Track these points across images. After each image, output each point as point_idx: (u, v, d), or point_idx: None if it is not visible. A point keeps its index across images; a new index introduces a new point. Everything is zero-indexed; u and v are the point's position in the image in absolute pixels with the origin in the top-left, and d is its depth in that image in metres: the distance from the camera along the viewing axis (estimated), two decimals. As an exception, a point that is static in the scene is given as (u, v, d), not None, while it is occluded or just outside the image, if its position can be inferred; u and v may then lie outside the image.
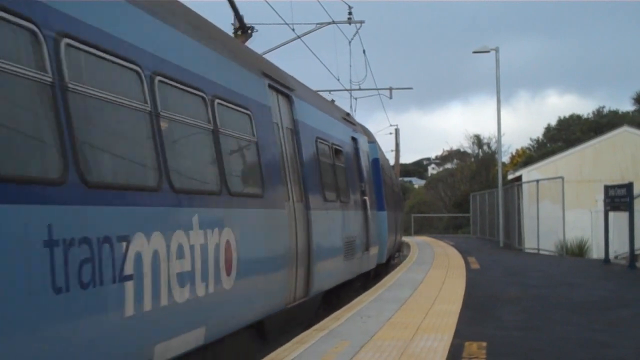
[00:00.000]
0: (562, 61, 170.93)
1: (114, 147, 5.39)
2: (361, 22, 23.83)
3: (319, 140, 11.64)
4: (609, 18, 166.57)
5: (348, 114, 16.28)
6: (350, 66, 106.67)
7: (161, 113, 5.89)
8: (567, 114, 54.29)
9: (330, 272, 11.32)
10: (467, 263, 18.46)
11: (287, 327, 9.42)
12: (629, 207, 17.50)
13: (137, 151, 5.73)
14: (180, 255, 5.94)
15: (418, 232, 46.20)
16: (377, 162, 18.45)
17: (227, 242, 6.97)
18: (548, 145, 49.20)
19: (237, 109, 7.85)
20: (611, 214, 19.16)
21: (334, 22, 22.07)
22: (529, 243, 25.80)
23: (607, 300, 11.46)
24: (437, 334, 7.85)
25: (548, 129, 53.91)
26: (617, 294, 12.53)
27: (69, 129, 4.52)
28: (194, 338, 6.22)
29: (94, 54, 5.03)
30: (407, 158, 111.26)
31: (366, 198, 15.25)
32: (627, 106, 60.00)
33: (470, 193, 44.32)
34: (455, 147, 65.29)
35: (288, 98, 10.19)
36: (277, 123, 9.40)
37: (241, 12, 12.83)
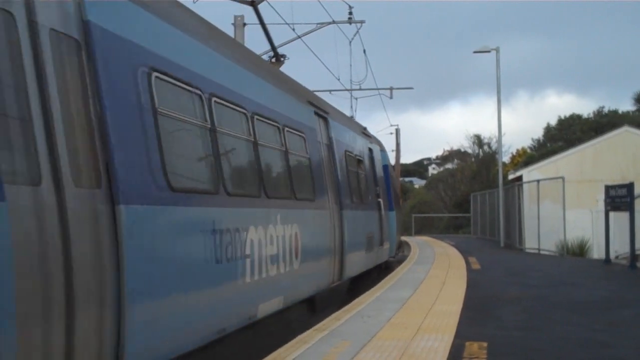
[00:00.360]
0: (562, 61, 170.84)
1: (241, 171, 8.12)
2: (362, 22, 23.87)
3: (346, 152, 14.09)
4: (607, 18, 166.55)
5: (365, 128, 18.63)
6: (351, 66, 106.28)
7: (258, 142, 8.44)
8: (566, 113, 54.28)
9: (356, 262, 13.74)
10: (467, 263, 18.46)
11: (328, 303, 11.77)
12: (629, 207, 17.49)
13: (248, 170, 8.27)
14: (271, 242, 8.27)
15: (419, 232, 46.18)
16: (387, 168, 21.01)
17: (296, 234, 9.42)
18: (548, 145, 49.19)
19: (297, 133, 10.35)
20: (612, 214, 19.15)
21: (334, 22, 22.09)
22: (530, 243, 25.80)
23: (608, 300, 11.46)
24: (437, 334, 7.85)
25: (548, 129, 53.93)
26: (618, 294, 12.52)
27: (219, 160, 7.11)
28: (277, 303, 8.54)
29: (224, 104, 7.53)
30: (407, 158, 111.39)
31: (380, 200, 17.81)
32: (627, 106, 60.05)
33: (470, 193, 44.32)
34: (455, 147, 65.35)
35: (325, 120, 12.68)
36: (319, 141, 11.88)
37: (242, 12, 13.25)
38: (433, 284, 13.18)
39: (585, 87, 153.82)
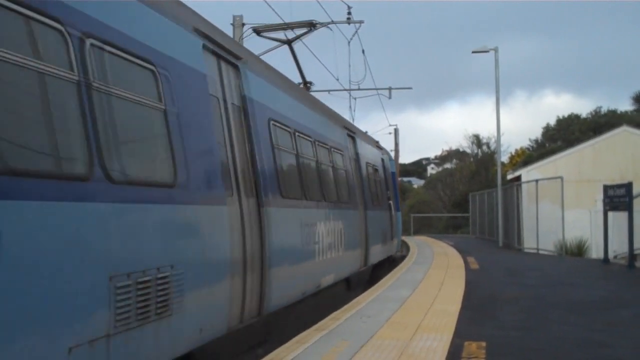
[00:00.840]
0: (560, 61, 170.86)
1: (312, 183, 11.02)
2: (360, 22, 23.83)
3: (367, 164, 17.36)
4: (606, 18, 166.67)
5: (378, 142, 22.09)
6: (350, 66, 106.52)
7: (319, 161, 11.72)
8: (564, 113, 54.32)
9: (376, 252, 17.27)
10: (466, 263, 18.48)
11: (358, 284, 15.07)
12: (628, 207, 17.51)
13: (315, 182, 11.27)
14: (328, 234, 11.45)
15: (417, 232, 46.19)
16: (394, 174, 24.75)
17: (341, 229, 12.59)
18: (547, 145, 49.21)
19: (339, 152, 13.72)
20: (610, 214, 19.17)
21: (333, 22, 22.07)
22: (528, 243, 25.81)
23: (606, 300, 11.48)
24: (436, 333, 7.87)
25: (547, 129, 53.94)
26: (616, 294, 12.55)
27: (302, 176, 10.36)
28: (331, 278, 11.80)
29: (301, 136, 10.78)
30: (406, 158, 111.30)
31: (391, 202, 21.37)
32: (625, 106, 60.05)
33: (469, 193, 44.33)
34: (454, 147, 65.34)
35: (353, 139, 15.90)
36: (351, 157, 14.93)
37: (241, 12, 13.86)
38: (432, 283, 13.20)
39: (584, 86, 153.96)
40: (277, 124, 9.41)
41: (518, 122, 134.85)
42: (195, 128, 6.58)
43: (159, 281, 5.45)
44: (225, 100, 7.66)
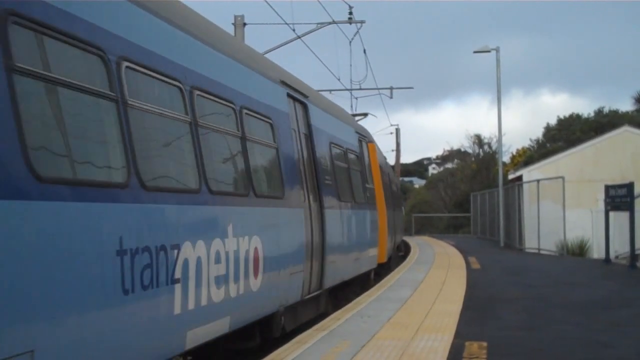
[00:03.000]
0: (560, 60, 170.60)
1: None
2: (362, 21, 23.81)
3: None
4: (605, 19, 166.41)
5: (385, 157, 25.81)
6: (351, 66, 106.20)
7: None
8: (564, 113, 54.29)
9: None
10: (467, 263, 18.46)
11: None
12: (629, 207, 17.48)
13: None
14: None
15: (418, 232, 46.16)
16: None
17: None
18: (548, 145, 49.13)
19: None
20: (612, 214, 19.15)
21: (334, 22, 22.04)
22: (530, 243, 25.78)
23: (608, 300, 11.45)
24: (437, 334, 7.84)
25: (548, 129, 53.85)
26: (618, 293, 12.52)
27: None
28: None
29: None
30: (406, 158, 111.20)
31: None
32: (627, 106, 59.94)
33: (470, 193, 44.29)
34: (455, 147, 65.24)
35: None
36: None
37: (241, 11, 13.67)
38: (433, 283, 13.17)
39: (582, 86, 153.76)
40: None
41: (517, 122, 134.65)
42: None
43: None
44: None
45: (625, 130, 32.35)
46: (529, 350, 7.13)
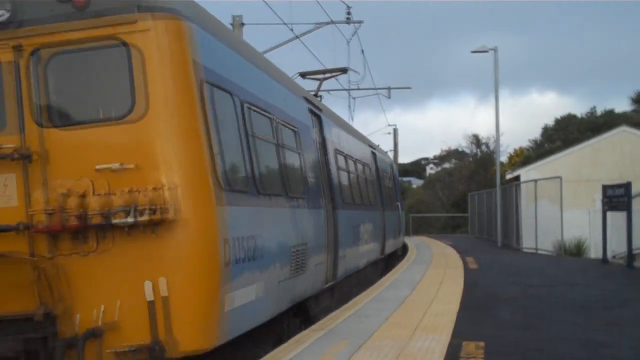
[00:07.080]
0: (558, 60, 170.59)
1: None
2: (360, 22, 23.84)
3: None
4: (604, 18, 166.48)
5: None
6: (349, 66, 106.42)
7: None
8: (555, 112, 54.27)
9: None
10: (465, 263, 18.47)
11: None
12: (627, 207, 17.50)
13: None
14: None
15: (416, 232, 46.17)
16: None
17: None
18: (546, 145, 49.15)
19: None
20: (609, 214, 19.16)
21: (332, 22, 22.06)
22: (527, 243, 25.80)
23: (605, 299, 11.47)
24: (435, 333, 7.86)
25: (546, 129, 53.87)
26: (615, 293, 12.54)
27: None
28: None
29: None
30: (404, 158, 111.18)
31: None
32: (623, 106, 59.92)
33: (468, 193, 44.31)
34: (453, 147, 65.26)
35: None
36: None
37: (241, 11, 13.73)
38: (431, 283, 13.19)
39: (582, 86, 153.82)
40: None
41: (516, 123, 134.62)
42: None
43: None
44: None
45: (623, 130, 32.38)
46: (527, 349, 7.15)
